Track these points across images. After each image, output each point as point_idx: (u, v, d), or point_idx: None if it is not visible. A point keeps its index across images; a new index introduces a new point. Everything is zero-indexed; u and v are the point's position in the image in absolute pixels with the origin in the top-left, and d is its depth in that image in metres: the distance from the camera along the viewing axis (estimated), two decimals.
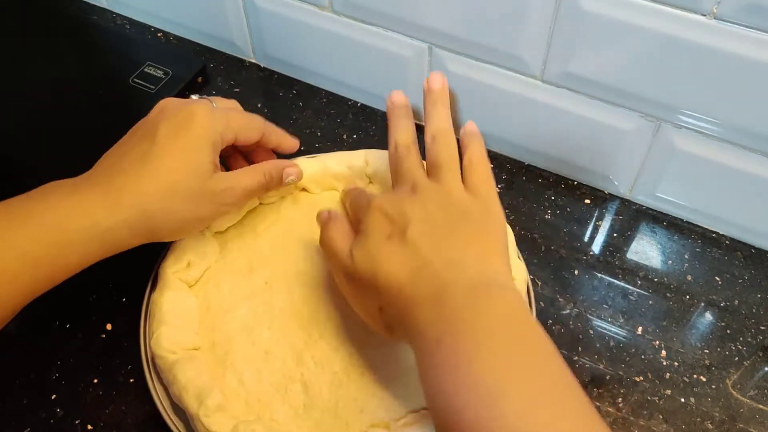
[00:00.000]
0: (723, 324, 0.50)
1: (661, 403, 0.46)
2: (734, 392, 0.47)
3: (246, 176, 0.47)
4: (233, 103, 0.52)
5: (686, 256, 0.54)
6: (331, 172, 0.54)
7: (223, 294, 0.49)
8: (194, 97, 0.50)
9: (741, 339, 0.50)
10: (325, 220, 0.44)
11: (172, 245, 0.49)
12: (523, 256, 0.51)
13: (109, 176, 0.43)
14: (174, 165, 0.43)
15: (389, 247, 0.39)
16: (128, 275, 0.52)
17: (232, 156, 0.52)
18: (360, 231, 0.42)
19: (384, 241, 0.40)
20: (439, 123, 0.47)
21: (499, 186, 0.58)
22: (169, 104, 0.46)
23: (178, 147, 0.43)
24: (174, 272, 0.48)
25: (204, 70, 0.67)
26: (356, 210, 0.45)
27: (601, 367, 0.48)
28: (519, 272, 0.48)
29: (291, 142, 0.53)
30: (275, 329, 0.47)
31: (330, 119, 0.64)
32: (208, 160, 0.44)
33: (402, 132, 0.47)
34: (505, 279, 0.39)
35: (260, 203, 0.53)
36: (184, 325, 0.46)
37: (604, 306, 0.51)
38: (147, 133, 0.44)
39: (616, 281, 0.53)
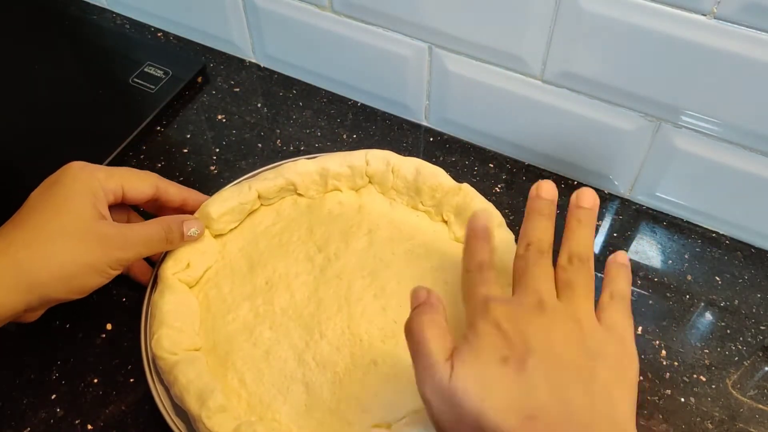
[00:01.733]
0: (723, 324, 0.50)
1: (661, 402, 0.46)
2: (734, 392, 0.47)
3: (144, 227, 0.45)
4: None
5: (686, 256, 0.54)
6: (331, 173, 0.54)
7: (223, 294, 0.49)
8: None
9: (741, 339, 0.50)
10: (420, 303, 0.37)
11: None
12: None
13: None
14: (47, 215, 0.41)
15: (503, 375, 0.33)
16: (128, 275, 0.52)
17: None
18: (467, 339, 0.35)
19: (497, 364, 0.33)
20: (581, 246, 0.40)
21: (499, 186, 0.58)
22: (50, 179, 0.45)
23: (51, 200, 0.42)
24: (174, 273, 0.48)
25: (204, 69, 0.67)
26: (469, 304, 0.38)
27: None
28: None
29: (196, 198, 0.50)
30: (276, 329, 0.46)
31: (330, 119, 0.64)
32: (88, 205, 0.42)
33: (539, 232, 0.41)
34: None
35: (261, 205, 0.53)
36: (184, 326, 0.46)
37: None
38: (23, 205, 0.43)
39: None
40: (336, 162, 0.54)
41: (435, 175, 0.52)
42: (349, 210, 0.53)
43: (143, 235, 0.44)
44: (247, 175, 0.54)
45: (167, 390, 0.44)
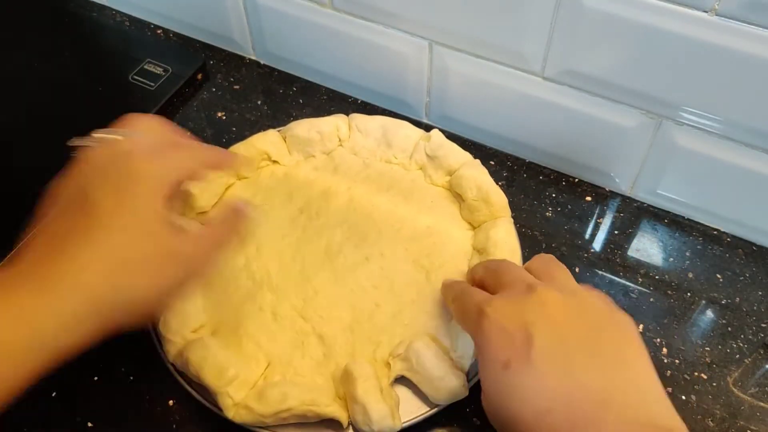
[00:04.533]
0: (724, 321, 0.50)
1: None
2: (735, 390, 0.47)
3: (213, 233, 0.40)
4: (155, 123, 0.42)
5: (687, 254, 0.54)
6: (300, 140, 0.56)
7: (219, 268, 0.50)
8: (103, 135, 0.41)
9: (742, 336, 0.49)
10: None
11: None
12: (523, 253, 0.51)
13: (43, 265, 0.34)
14: (124, 236, 0.35)
15: (508, 381, 0.33)
16: None
17: None
18: (477, 350, 0.36)
19: (501, 371, 0.33)
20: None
21: (500, 183, 0.58)
22: (94, 161, 0.38)
23: (124, 212, 0.35)
24: None
25: (204, 67, 0.67)
26: (464, 321, 0.39)
27: None
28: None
29: (229, 159, 0.47)
30: (275, 291, 0.48)
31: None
32: (160, 217, 0.36)
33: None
34: (670, 419, 0.32)
35: (237, 179, 0.55)
36: (188, 305, 0.47)
37: None
38: (79, 203, 0.36)
39: (617, 279, 0.52)
40: (304, 129, 0.56)
41: (401, 127, 0.55)
42: (324, 173, 0.55)
43: (214, 240, 0.40)
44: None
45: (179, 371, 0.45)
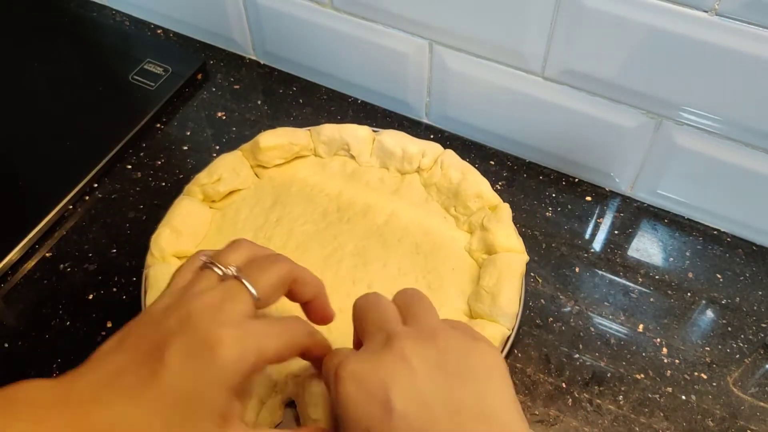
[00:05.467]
0: (724, 321, 0.50)
1: (662, 400, 0.46)
2: (735, 390, 0.47)
3: None
4: (276, 269, 0.37)
5: (687, 254, 0.54)
6: (386, 150, 0.55)
7: (238, 220, 0.52)
8: (229, 270, 0.36)
9: (742, 336, 0.49)
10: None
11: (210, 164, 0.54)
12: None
13: (94, 399, 0.31)
14: (176, 409, 0.31)
15: None
16: (128, 273, 0.52)
17: None
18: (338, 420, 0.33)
19: None
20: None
21: (500, 183, 0.58)
22: (194, 315, 0.33)
23: (186, 381, 0.32)
24: (202, 184, 0.52)
25: (204, 67, 0.67)
26: (326, 385, 0.36)
27: (602, 364, 0.48)
28: (518, 246, 0.50)
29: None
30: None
31: (330, 116, 0.64)
32: (216, 410, 0.32)
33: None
34: None
35: (312, 155, 0.57)
36: (186, 232, 0.49)
37: (605, 303, 0.51)
38: (155, 349, 0.33)
39: (617, 279, 0.52)
40: (394, 141, 0.55)
41: (478, 184, 0.52)
42: (384, 188, 0.55)
43: None
44: (314, 127, 0.57)
45: None
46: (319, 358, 0.38)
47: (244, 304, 0.35)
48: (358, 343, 0.38)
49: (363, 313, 0.37)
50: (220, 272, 0.36)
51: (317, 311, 0.40)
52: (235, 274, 0.36)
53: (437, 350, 0.33)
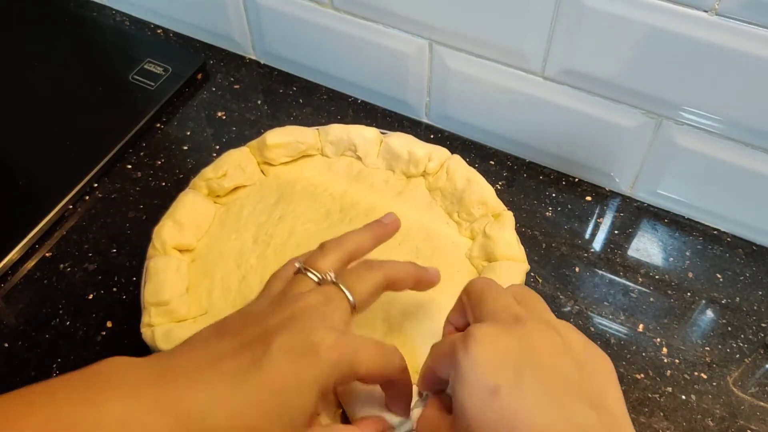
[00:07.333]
0: (724, 321, 0.50)
1: (662, 400, 0.46)
2: (735, 389, 0.47)
3: None
4: (372, 276, 0.38)
5: (687, 254, 0.54)
6: (392, 152, 0.55)
7: (241, 216, 0.52)
8: (328, 276, 0.37)
9: (742, 336, 0.49)
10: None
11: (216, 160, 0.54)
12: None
13: (192, 379, 0.31)
14: (273, 400, 0.32)
15: (497, 407, 0.30)
16: (128, 272, 0.52)
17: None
18: (457, 383, 0.32)
19: (488, 399, 0.30)
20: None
21: (500, 183, 0.58)
22: (298, 315, 0.34)
23: (286, 376, 0.32)
24: (208, 179, 0.52)
25: (204, 66, 0.67)
26: (441, 359, 0.35)
27: None
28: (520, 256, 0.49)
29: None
30: (260, 260, 0.49)
31: (330, 116, 0.64)
32: (308, 409, 0.32)
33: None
34: None
35: (319, 154, 0.56)
36: (189, 225, 0.50)
37: (605, 303, 0.51)
38: (259, 341, 0.33)
39: (617, 278, 0.52)
40: (401, 143, 0.55)
41: (482, 191, 0.52)
42: (389, 190, 0.54)
43: None
44: (322, 127, 0.57)
45: None
46: (397, 396, 0.38)
47: (343, 311, 0.36)
48: (464, 325, 0.37)
49: (483, 294, 0.36)
50: (316, 278, 0.37)
51: (423, 286, 0.42)
52: (334, 280, 0.37)
53: (562, 339, 0.33)
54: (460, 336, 0.33)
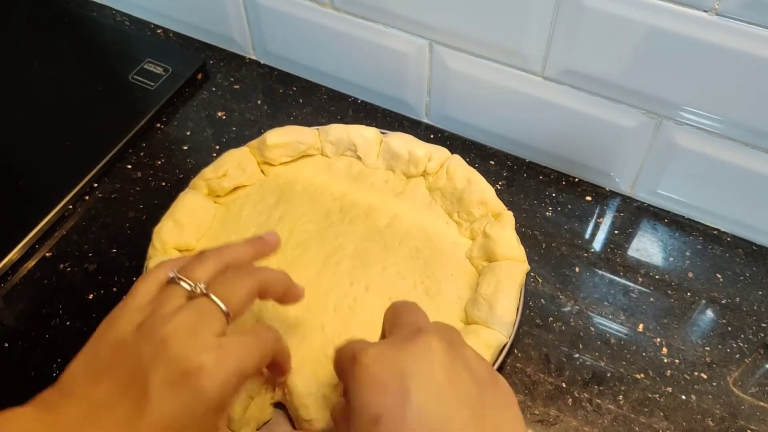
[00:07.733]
0: (724, 321, 0.50)
1: (662, 400, 0.46)
2: (735, 390, 0.47)
3: None
4: (245, 283, 0.37)
5: (687, 254, 0.54)
6: (392, 152, 0.55)
7: (241, 216, 0.52)
8: (198, 287, 0.35)
9: (742, 336, 0.49)
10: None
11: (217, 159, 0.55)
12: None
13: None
14: None
15: None
16: (128, 272, 0.52)
17: None
18: (349, 406, 0.32)
19: (369, 429, 0.30)
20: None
21: (500, 183, 0.58)
22: (170, 341, 0.32)
23: (173, 412, 0.31)
24: (208, 179, 0.53)
25: (204, 66, 0.67)
26: (339, 371, 0.36)
27: (602, 364, 0.48)
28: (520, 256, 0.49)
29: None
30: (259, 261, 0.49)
31: (330, 116, 0.64)
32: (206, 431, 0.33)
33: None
34: None
35: (319, 154, 0.57)
36: (189, 225, 0.50)
37: (605, 303, 0.51)
38: (136, 379, 0.31)
39: (617, 278, 0.52)
40: (401, 144, 0.55)
41: (482, 191, 0.52)
42: (389, 190, 0.55)
43: None
44: (323, 127, 0.57)
45: None
46: (282, 363, 0.40)
47: (218, 323, 0.34)
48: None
49: (397, 311, 0.37)
50: (188, 287, 0.35)
51: (288, 299, 0.41)
52: (205, 291, 0.35)
53: (462, 357, 0.32)
54: (355, 352, 0.32)
